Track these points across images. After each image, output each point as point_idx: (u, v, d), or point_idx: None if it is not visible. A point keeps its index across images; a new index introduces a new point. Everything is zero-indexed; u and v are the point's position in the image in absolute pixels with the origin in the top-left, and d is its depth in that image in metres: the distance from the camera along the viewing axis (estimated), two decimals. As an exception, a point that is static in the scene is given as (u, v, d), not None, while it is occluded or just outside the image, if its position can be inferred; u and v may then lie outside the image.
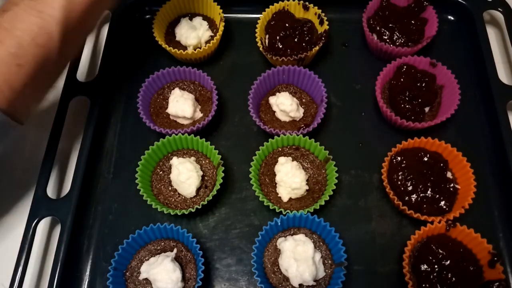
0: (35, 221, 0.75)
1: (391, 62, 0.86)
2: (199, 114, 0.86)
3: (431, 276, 0.68)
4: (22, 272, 0.71)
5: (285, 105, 0.81)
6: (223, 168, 0.78)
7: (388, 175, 0.78)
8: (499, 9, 0.94)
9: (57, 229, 0.76)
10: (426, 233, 0.72)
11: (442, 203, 0.75)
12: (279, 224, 0.73)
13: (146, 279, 0.71)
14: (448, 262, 0.68)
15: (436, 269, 0.68)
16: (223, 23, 0.92)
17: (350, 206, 0.80)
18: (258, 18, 0.92)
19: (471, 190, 0.74)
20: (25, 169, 0.86)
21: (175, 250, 0.73)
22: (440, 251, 0.70)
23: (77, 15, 0.66)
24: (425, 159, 0.78)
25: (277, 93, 0.85)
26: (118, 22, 0.97)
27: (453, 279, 0.67)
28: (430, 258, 0.69)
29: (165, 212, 0.75)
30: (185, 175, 0.76)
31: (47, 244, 0.80)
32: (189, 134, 0.81)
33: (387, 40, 0.90)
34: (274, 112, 0.85)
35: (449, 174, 0.77)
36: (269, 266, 0.72)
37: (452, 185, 0.76)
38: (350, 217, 0.79)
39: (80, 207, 0.78)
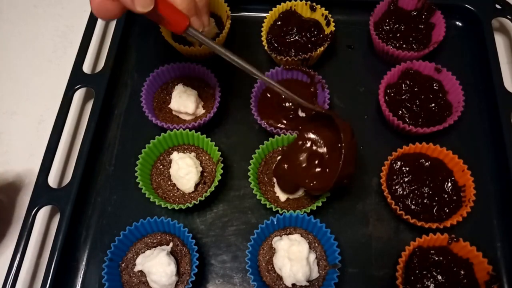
0: (35, 209, 0.76)
1: (396, 66, 0.86)
2: (201, 111, 0.86)
3: (424, 286, 0.68)
4: (20, 259, 0.73)
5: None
6: (222, 165, 0.78)
7: (387, 179, 0.78)
8: (508, 16, 0.93)
9: (56, 218, 0.77)
10: (427, 243, 0.72)
11: (440, 210, 0.74)
12: (275, 223, 0.73)
13: (141, 271, 0.72)
14: (445, 276, 0.68)
15: (431, 280, 0.68)
16: (230, 21, 0.92)
17: (348, 208, 0.79)
18: (265, 17, 0.92)
19: (471, 198, 0.73)
20: (28, 158, 0.88)
21: (171, 244, 0.73)
22: (439, 263, 0.69)
23: None
24: (426, 165, 0.78)
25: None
26: (126, 16, 0.98)
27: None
28: (427, 268, 0.69)
29: (162, 206, 0.75)
30: (184, 170, 0.76)
31: (45, 233, 0.81)
32: (190, 130, 0.82)
33: (393, 44, 0.89)
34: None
35: (448, 182, 0.77)
36: (263, 264, 0.72)
37: (451, 192, 0.75)
38: (347, 219, 0.78)
39: (80, 197, 0.79)
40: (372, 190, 0.81)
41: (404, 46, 0.89)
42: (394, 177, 0.77)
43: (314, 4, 0.92)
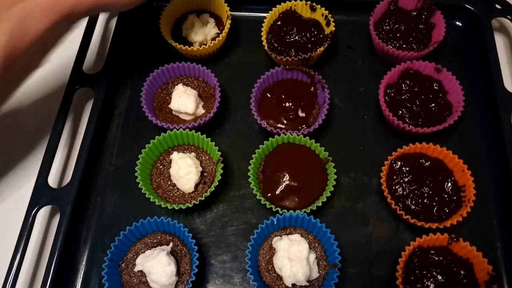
0: (35, 209, 0.76)
1: (396, 66, 0.86)
2: (201, 111, 0.86)
3: (424, 286, 0.68)
4: (20, 259, 0.73)
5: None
6: (222, 165, 0.78)
7: (387, 179, 0.78)
8: (508, 16, 0.93)
9: (56, 218, 0.77)
10: (427, 243, 0.72)
11: (440, 210, 0.74)
12: (275, 223, 0.73)
13: (141, 271, 0.71)
14: (445, 276, 0.68)
15: (431, 280, 0.68)
16: (230, 21, 0.92)
17: (348, 208, 0.79)
18: (265, 17, 0.92)
19: (471, 198, 0.73)
20: (28, 158, 0.88)
21: (171, 244, 0.73)
22: (439, 263, 0.69)
23: (19, 55, 0.67)
24: (426, 165, 0.78)
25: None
26: (126, 16, 0.98)
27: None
28: (427, 268, 0.69)
29: (162, 206, 0.75)
30: (184, 170, 0.76)
31: (45, 233, 0.81)
32: (190, 130, 0.82)
33: (393, 44, 0.89)
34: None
35: (448, 182, 0.77)
36: (263, 264, 0.72)
37: (451, 192, 0.75)
38: (347, 219, 0.78)
39: (80, 197, 0.79)
40: (372, 190, 0.81)
41: (404, 46, 0.89)
42: (394, 177, 0.77)
43: (314, 4, 0.92)
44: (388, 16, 0.92)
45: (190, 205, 0.75)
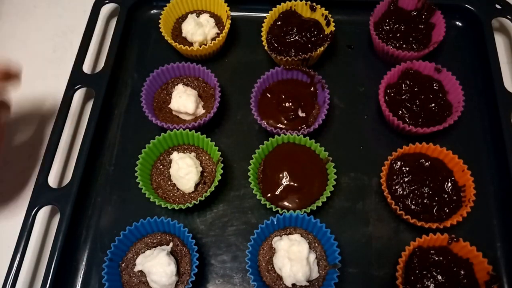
0: (35, 209, 0.76)
1: (396, 66, 0.86)
2: (201, 111, 0.86)
3: (424, 286, 0.68)
4: (20, 259, 0.73)
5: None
6: (222, 165, 0.78)
7: (387, 179, 0.78)
8: (508, 16, 0.93)
9: (56, 218, 0.77)
10: (427, 243, 0.72)
11: (440, 210, 0.74)
12: (275, 223, 0.73)
13: (141, 271, 0.71)
14: (445, 276, 0.68)
15: (431, 280, 0.68)
16: (230, 21, 0.92)
17: (348, 208, 0.79)
18: (265, 17, 0.92)
19: (471, 198, 0.73)
20: (28, 158, 0.88)
21: (171, 244, 0.73)
22: (439, 263, 0.69)
23: None
24: (426, 165, 0.78)
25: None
26: (126, 16, 0.98)
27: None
28: (427, 268, 0.69)
29: (162, 206, 0.75)
30: (184, 170, 0.76)
31: (45, 233, 0.81)
32: (190, 130, 0.82)
33: (393, 44, 0.89)
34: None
35: (448, 182, 0.77)
36: (263, 264, 0.72)
37: (451, 192, 0.75)
38: (347, 219, 0.78)
39: (80, 197, 0.79)
40: (372, 190, 0.81)
41: (404, 46, 0.89)
42: (394, 177, 0.77)
43: (314, 4, 0.92)
44: (388, 16, 0.92)
45: (190, 205, 0.75)
